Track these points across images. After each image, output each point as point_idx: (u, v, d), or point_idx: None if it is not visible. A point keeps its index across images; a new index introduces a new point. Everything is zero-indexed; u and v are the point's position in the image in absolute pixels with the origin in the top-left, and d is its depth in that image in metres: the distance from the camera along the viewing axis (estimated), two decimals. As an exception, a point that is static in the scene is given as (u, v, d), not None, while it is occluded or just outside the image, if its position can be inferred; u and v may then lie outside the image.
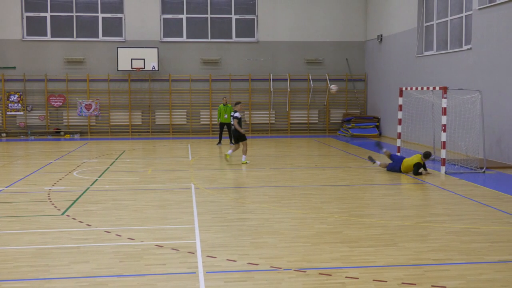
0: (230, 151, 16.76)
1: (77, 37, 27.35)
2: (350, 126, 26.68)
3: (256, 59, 27.99)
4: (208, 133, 27.72)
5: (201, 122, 27.63)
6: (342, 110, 28.43)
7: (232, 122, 16.73)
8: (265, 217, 9.69)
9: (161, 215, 9.89)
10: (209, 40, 27.94)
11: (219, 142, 22.29)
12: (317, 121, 28.42)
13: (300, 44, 28.04)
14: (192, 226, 9.01)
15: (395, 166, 14.76)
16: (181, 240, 8.18)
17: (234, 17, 28.00)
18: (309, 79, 27.92)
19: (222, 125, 22.16)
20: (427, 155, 14.30)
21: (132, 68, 26.59)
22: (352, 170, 15.54)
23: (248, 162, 16.72)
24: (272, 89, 27.63)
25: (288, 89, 27.73)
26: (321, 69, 28.22)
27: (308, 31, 28.07)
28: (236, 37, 28.05)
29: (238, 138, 16.66)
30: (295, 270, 6.83)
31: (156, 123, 27.71)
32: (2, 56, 26.85)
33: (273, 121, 27.96)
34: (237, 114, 16.55)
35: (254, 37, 28.13)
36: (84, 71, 27.21)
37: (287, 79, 27.87)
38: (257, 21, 27.99)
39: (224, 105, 21.96)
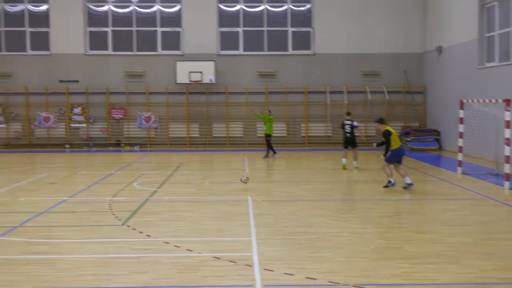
0: (355, 162, 18.22)
1: (137, 51, 28.01)
2: (409, 139, 26.18)
3: (313, 71, 27.91)
4: (264, 145, 27.74)
5: (258, 135, 27.70)
6: (400, 123, 27.94)
7: (348, 130, 18.27)
8: (323, 231, 9.58)
9: (218, 227, 9.94)
10: (265, 52, 28.07)
11: (268, 155, 22.23)
12: (375, 134, 28.01)
13: (357, 56, 27.79)
14: (249, 239, 9.00)
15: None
16: (238, 253, 8.18)
17: (290, 29, 28.04)
18: (366, 92, 27.61)
19: (268, 136, 22.19)
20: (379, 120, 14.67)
21: (190, 81, 26.99)
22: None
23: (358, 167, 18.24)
24: (329, 102, 27.46)
25: (345, 102, 27.49)
26: (378, 81, 27.87)
27: (364, 42, 27.79)
28: (293, 49, 28.07)
29: (352, 143, 18.28)
30: (353, 286, 6.71)
31: (213, 135, 27.96)
32: (66, 70, 27.77)
33: (330, 134, 27.74)
34: (355, 123, 18.36)
35: (310, 49, 28.08)
36: (144, 84, 27.81)
37: (343, 92, 27.65)
38: (313, 33, 27.94)
39: (267, 116, 22.09)
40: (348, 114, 19.14)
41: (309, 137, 27.85)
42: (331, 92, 27.69)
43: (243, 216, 10.85)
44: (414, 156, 22.86)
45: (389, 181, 14.02)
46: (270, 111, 22.63)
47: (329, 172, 17.68)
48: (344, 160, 18.33)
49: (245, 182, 14.45)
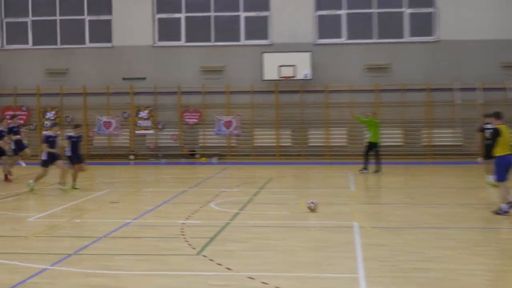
0: (491, 178, 16.63)
1: (215, 41, 28.47)
2: None
3: (436, 63, 27.26)
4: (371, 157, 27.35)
5: (366, 144, 27.27)
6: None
7: (488, 136, 16.44)
8: (451, 268, 9.26)
9: (317, 260, 9.83)
10: (375, 40, 27.75)
11: (365, 168, 21.97)
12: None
13: (494, 43, 26.89)
14: (356, 276, 8.83)
15: None
16: (342, 293, 8.04)
17: (407, 10, 27.59)
18: (506, 88, 26.63)
19: (371, 146, 21.88)
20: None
21: (279, 77, 27.10)
22: None
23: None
24: (458, 101, 26.72)
25: (480, 101, 26.64)
26: (523, 75, 26.86)
27: (505, 25, 26.84)
28: (410, 35, 27.58)
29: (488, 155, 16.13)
30: None
31: (309, 144, 27.90)
32: (130, 65, 28.65)
33: (460, 143, 26.92)
34: (490, 126, 16.60)
35: (433, 35, 27.47)
36: (223, 82, 28.20)
37: (476, 89, 26.81)
38: (437, 14, 27.33)
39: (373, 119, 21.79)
40: (490, 115, 17.90)
41: (433, 146, 27.19)
42: (461, 89, 26.94)
43: (348, 246, 10.68)
44: None
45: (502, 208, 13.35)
46: (375, 113, 22.27)
47: (460, 192, 17.14)
48: (490, 178, 17.35)
49: (312, 210, 14.24)
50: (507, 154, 13.46)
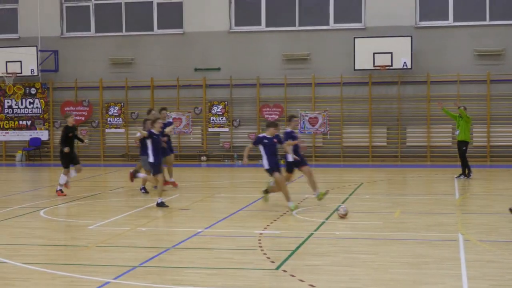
0: None
1: (299, 25, 28.56)
2: None
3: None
4: (485, 159, 26.92)
5: (475, 144, 26.89)
6: None
7: None
8: None
9: (414, 278, 9.78)
10: (486, 22, 27.28)
11: (464, 174, 21.44)
12: None
13: None
14: (459, 296, 8.79)
15: None
16: (442, 316, 8.01)
17: (525, -13, 27.04)
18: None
19: (462, 144, 21.43)
20: None
21: (374, 66, 26.98)
22: None
23: None
24: None
25: None
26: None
27: None
28: (529, 16, 27.06)
29: None
30: None
31: (408, 144, 27.67)
32: (203, 54, 29.05)
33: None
34: None
35: (557, 15, 26.85)
36: (309, 72, 28.28)
37: None
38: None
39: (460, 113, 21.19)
40: None
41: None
42: None
43: (451, 262, 10.59)
44: None
45: None
46: (465, 108, 21.69)
47: None
48: None
49: (343, 217, 14.13)
50: None
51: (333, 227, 13.65)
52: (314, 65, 28.30)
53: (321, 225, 13.87)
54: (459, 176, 21.40)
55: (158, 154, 16.38)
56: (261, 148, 15.84)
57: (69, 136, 18.31)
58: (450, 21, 27.57)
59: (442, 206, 16.33)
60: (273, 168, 15.65)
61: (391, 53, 26.86)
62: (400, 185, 21.09)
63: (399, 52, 26.88)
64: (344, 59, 27.72)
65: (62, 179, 18.19)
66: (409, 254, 11.27)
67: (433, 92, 27.34)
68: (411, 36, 26.95)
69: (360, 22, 28.08)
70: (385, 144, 27.90)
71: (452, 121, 26.65)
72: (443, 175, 22.86)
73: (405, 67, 26.94)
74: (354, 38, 27.23)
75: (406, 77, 27.55)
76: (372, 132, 27.78)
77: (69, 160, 18.29)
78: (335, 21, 28.28)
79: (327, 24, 28.35)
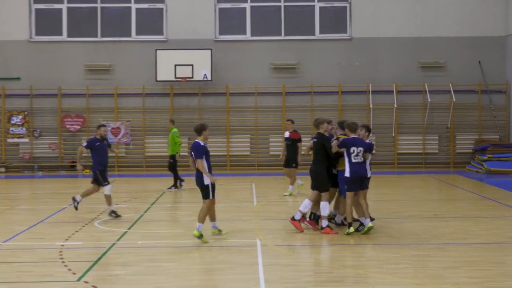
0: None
1: (102, 36, 28.22)
2: (485, 158, 26.09)
3: (349, 63, 27.97)
4: (280, 167, 27.70)
5: (271, 152, 27.72)
6: (473, 135, 27.87)
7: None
8: (362, 288, 9.57)
9: (214, 283, 9.93)
10: (282, 37, 28.19)
11: (176, 185, 21.57)
12: (436, 151, 27.97)
13: (412, 42, 27.82)
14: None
15: None
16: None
17: (317, 4, 28.18)
18: (425, 91, 27.59)
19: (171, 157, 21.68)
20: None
21: (175, 78, 27.12)
22: (488, 222, 15.13)
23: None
24: (371, 106, 27.45)
25: (395, 105, 27.48)
26: (442, 77, 27.85)
27: (422, 23, 27.84)
28: (321, 32, 28.18)
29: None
30: None
31: (210, 153, 27.95)
32: (3, 63, 27.99)
33: (373, 151, 27.64)
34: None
35: (345, 32, 28.17)
36: (111, 83, 27.96)
37: (393, 91, 27.64)
38: (350, 10, 28.05)
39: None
40: None
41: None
42: (374, 92, 27.69)
43: (250, 267, 10.82)
44: (493, 182, 22.74)
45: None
46: (172, 121, 22.27)
47: (370, 205, 17.55)
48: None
49: None
50: None
51: (135, 237, 13.58)
52: (117, 76, 28.02)
53: (123, 235, 13.77)
54: (170, 188, 21.44)
55: None
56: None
57: None
58: (248, 36, 28.25)
59: (241, 212, 16.68)
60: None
61: (192, 65, 27.12)
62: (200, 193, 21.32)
63: (200, 64, 27.19)
64: (146, 71, 27.64)
65: None
66: (210, 261, 11.43)
67: (232, 103, 27.87)
68: (211, 49, 27.35)
69: (162, 34, 28.14)
70: (187, 154, 28.05)
71: (251, 131, 27.49)
72: (242, 184, 23.33)
73: (205, 79, 27.28)
74: (156, 50, 27.26)
75: (206, 89, 27.91)
76: (174, 142, 27.85)
77: None
78: (138, 33, 28.17)
79: (130, 35, 28.16)
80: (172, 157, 21.57)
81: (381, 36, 27.88)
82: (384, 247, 12.56)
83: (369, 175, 14.00)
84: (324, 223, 13.54)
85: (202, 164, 13.22)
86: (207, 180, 13.35)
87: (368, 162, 14.00)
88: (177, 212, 16.96)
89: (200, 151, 13.26)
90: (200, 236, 12.72)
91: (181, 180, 21.55)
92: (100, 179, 15.71)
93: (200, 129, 13.59)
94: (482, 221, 15.10)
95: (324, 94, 27.91)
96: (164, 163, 27.62)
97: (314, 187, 13.90)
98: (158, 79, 27.31)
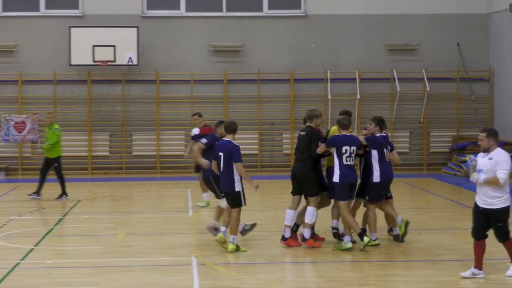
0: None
1: (4, 10, 27.82)
2: (464, 158, 26.42)
3: (304, 45, 28.07)
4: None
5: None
6: (451, 131, 28.20)
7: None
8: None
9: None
10: (223, 13, 28.15)
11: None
12: (407, 150, 28.21)
13: (378, 20, 28.04)
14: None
15: None
16: None
17: (265, -25, 28.30)
18: (394, 79, 27.83)
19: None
20: None
21: (94, 61, 26.90)
22: (468, 234, 15.26)
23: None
24: (330, 96, 27.59)
25: (358, 96, 27.66)
26: (415, 62, 28.14)
27: (391, -3, 28.16)
28: (270, 8, 28.24)
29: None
30: None
31: (134, 153, 27.86)
32: None
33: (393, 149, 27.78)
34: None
35: (299, 8, 28.27)
36: (15, 67, 27.60)
37: (355, 79, 27.82)
38: (305, -19, 28.22)
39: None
40: None
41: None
42: (333, 80, 27.82)
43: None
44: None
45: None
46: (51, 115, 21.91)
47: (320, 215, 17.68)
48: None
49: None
50: None
51: (43, 255, 13.42)
52: (22, 59, 27.64)
53: (29, 252, 13.60)
54: (60, 197, 20.81)
55: None
56: None
57: None
58: (182, 11, 28.11)
59: (174, 225, 16.58)
60: None
61: (114, 46, 26.89)
62: (125, 202, 21.16)
63: (124, 46, 26.97)
64: (58, 53, 27.33)
65: None
66: (135, 283, 11.35)
67: (163, 93, 27.71)
68: (137, 27, 27.12)
69: (77, 8, 27.84)
70: (108, 154, 27.89)
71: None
72: (175, 190, 23.24)
73: (130, 63, 27.08)
74: (70, 27, 26.95)
75: (132, 75, 27.70)
76: (92, 139, 27.62)
77: None
78: (47, 7, 27.79)
79: (37, 10, 27.80)
80: (57, 159, 20.91)
81: (342, 13, 28.07)
82: (346, 265, 12.63)
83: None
84: (307, 233, 13.51)
85: (243, 168, 13.41)
86: (238, 186, 13.47)
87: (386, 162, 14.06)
88: (95, 225, 16.76)
89: (239, 154, 13.47)
90: (238, 249, 13.06)
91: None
92: (217, 190, 14.91)
93: (235, 128, 13.79)
94: (461, 234, 15.19)
95: (273, 82, 28.00)
96: (81, 164, 27.51)
97: (299, 191, 13.92)
98: (72, 63, 27.05)
